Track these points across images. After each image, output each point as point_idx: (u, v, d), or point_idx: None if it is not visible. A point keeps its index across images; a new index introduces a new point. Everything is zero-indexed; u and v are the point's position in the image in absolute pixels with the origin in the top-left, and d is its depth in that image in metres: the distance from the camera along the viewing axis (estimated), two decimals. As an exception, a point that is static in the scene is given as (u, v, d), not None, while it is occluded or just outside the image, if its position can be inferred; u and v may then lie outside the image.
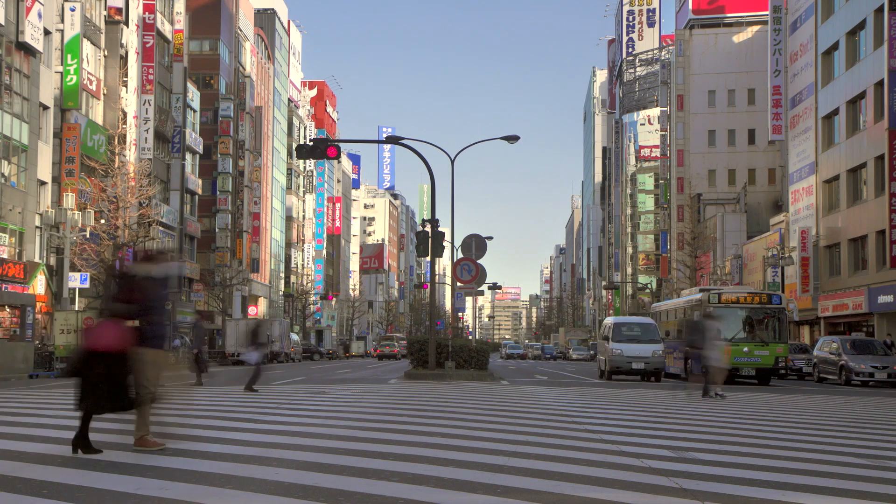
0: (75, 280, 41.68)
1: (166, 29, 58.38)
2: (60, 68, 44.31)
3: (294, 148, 57.32)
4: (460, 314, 55.31)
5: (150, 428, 8.43)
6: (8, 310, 32.43)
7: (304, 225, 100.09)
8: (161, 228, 52.27)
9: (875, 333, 39.18)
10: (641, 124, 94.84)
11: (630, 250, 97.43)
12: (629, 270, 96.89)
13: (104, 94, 49.13)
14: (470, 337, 65.84)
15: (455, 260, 31.49)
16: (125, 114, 50.55)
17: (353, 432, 10.01)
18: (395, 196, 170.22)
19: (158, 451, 8.19)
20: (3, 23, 38.23)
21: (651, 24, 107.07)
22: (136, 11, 52.92)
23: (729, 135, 69.10)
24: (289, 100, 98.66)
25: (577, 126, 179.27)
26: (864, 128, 41.30)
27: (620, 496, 6.30)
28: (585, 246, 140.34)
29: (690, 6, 72.58)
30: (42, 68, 41.97)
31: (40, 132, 42.17)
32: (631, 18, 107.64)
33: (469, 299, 63.63)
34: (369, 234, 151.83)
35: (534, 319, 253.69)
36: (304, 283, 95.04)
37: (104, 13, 49.94)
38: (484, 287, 45.06)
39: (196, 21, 68.83)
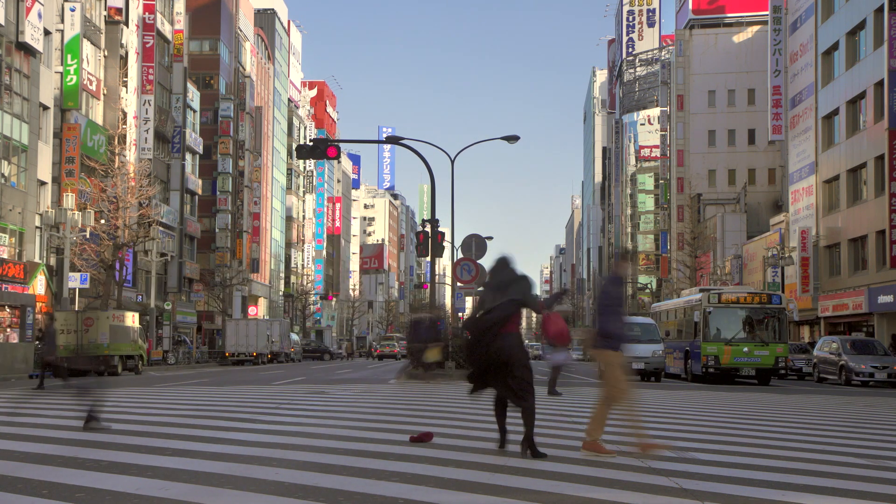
0: (75, 280, 41.65)
1: (166, 29, 58.39)
2: (60, 68, 44.30)
3: (294, 148, 57.32)
4: (460, 314, 55.23)
5: (602, 433, 8.40)
6: (8, 310, 32.38)
7: (304, 225, 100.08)
8: (161, 228, 52.26)
9: (875, 333, 39.16)
10: (641, 124, 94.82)
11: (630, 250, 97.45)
12: (629, 270, 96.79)
13: (104, 95, 49.13)
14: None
15: (455, 260, 31.50)
16: (125, 114, 50.55)
17: (353, 432, 10.01)
18: (395, 196, 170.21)
19: (611, 459, 8.04)
20: (3, 23, 38.22)
21: (651, 24, 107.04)
22: (136, 11, 52.95)
23: (729, 135, 69.08)
24: (289, 100, 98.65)
25: (577, 126, 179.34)
26: (864, 128, 41.29)
27: (620, 496, 6.30)
28: (585, 246, 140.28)
29: (690, 6, 72.56)
30: (42, 68, 41.96)
31: (40, 132, 42.16)
32: (631, 18, 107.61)
33: (469, 299, 63.46)
34: (369, 234, 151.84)
35: (534, 319, 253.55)
36: (304, 283, 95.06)
37: (104, 13, 49.94)
38: (484, 287, 44.97)
39: (196, 21, 68.86)
